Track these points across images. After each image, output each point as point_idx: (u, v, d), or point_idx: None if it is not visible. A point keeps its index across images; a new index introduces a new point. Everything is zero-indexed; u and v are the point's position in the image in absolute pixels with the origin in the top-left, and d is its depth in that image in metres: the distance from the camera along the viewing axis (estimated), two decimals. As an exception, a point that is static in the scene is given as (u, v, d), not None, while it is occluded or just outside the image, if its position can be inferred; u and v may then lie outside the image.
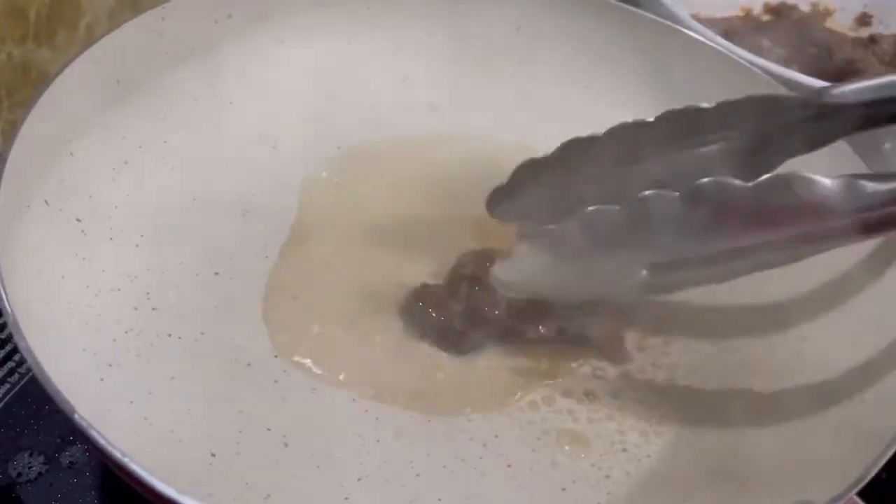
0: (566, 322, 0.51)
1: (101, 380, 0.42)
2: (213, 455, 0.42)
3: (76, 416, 0.34)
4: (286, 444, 0.44)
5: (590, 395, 0.49)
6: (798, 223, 0.41)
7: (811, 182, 0.39)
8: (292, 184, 0.57)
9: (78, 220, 0.48)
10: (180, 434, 0.42)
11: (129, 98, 0.53)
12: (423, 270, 0.53)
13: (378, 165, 0.59)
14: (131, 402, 0.42)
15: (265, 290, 0.51)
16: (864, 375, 0.46)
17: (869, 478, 0.37)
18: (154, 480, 0.33)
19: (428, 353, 0.50)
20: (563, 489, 0.44)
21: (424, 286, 0.52)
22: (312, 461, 0.43)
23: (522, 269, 0.48)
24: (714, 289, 0.48)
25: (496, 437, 0.46)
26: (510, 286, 0.49)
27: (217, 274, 0.51)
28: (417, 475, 0.44)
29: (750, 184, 0.40)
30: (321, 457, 0.44)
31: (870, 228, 0.40)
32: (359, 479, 0.43)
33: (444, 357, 0.50)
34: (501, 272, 0.49)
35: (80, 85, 0.50)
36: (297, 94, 0.61)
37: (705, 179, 0.41)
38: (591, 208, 0.44)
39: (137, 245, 0.50)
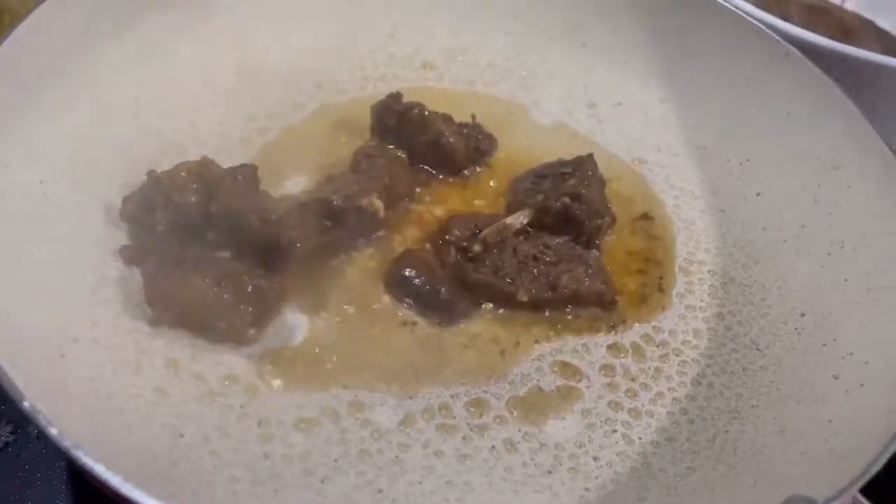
0: (557, 280, 0.48)
1: (62, 356, 0.39)
2: (182, 435, 0.40)
3: (25, 403, 0.32)
4: (259, 424, 0.42)
5: (578, 374, 0.47)
6: None
7: None
8: (263, 136, 0.55)
9: (41, 182, 0.45)
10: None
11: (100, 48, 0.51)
12: (405, 235, 0.51)
13: (356, 126, 0.56)
14: (93, 379, 0.40)
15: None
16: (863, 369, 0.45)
17: (870, 475, 0.36)
18: (102, 471, 0.31)
19: (413, 324, 0.47)
20: (549, 472, 0.43)
21: (408, 251, 0.50)
22: (288, 441, 0.41)
23: None
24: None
25: (481, 416, 0.44)
26: None
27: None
28: (396, 457, 0.42)
29: None
30: (298, 436, 0.42)
31: None
32: (335, 461, 0.41)
33: (429, 327, 0.47)
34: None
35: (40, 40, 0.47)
36: (275, 39, 0.59)
37: None
38: None
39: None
